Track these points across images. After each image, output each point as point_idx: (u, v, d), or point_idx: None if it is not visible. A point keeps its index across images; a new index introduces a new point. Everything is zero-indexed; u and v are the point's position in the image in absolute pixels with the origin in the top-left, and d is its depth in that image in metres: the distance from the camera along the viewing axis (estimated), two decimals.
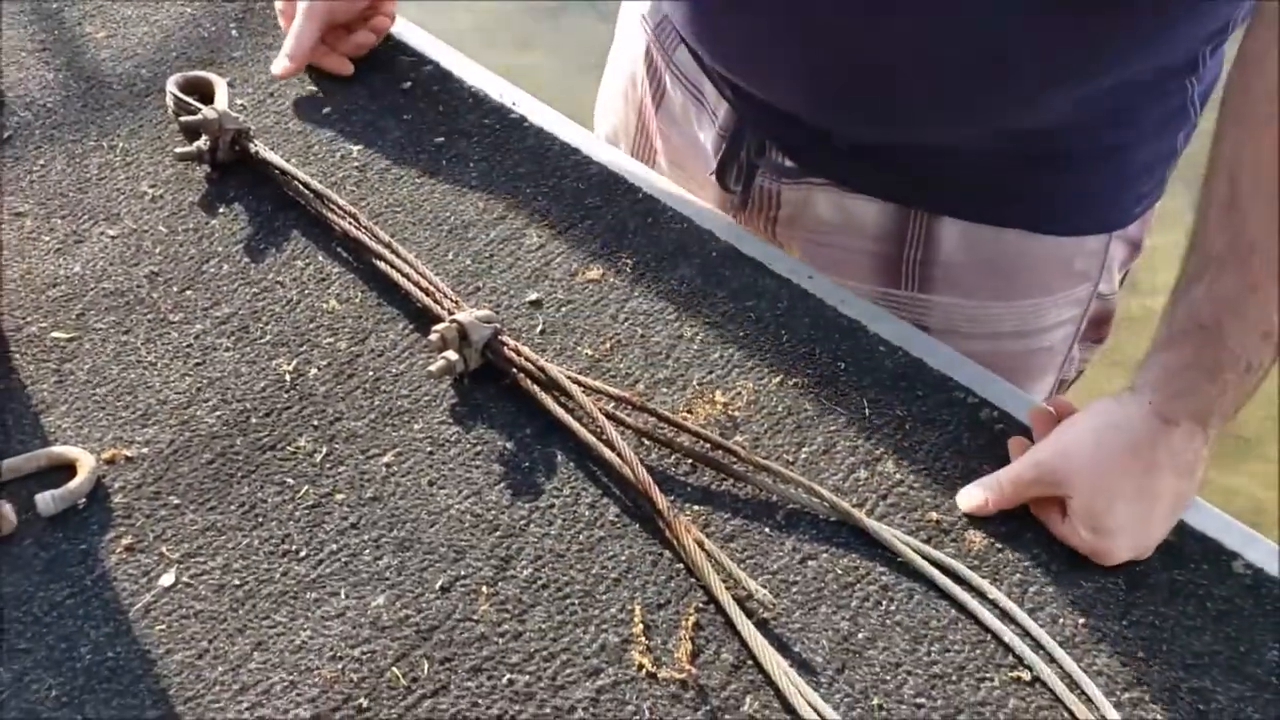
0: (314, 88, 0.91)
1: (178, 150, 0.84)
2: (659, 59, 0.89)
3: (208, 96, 0.88)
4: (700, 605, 0.63)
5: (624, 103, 0.95)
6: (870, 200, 0.80)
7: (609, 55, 0.98)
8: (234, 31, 0.96)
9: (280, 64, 0.88)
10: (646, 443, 0.69)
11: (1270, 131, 0.59)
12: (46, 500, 0.65)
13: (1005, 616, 0.63)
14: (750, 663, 0.61)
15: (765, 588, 0.62)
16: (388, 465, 0.68)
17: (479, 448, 0.69)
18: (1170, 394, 0.62)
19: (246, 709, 0.58)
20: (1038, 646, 0.62)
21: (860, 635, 0.62)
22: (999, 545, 0.66)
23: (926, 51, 0.69)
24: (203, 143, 0.83)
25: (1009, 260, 0.81)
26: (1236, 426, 1.92)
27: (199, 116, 0.83)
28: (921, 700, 0.60)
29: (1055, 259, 0.81)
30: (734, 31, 0.76)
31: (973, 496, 0.66)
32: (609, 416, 0.69)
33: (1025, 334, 0.85)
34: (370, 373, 0.73)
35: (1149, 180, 0.80)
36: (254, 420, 0.70)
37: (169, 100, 0.87)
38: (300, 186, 0.81)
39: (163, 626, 0.61)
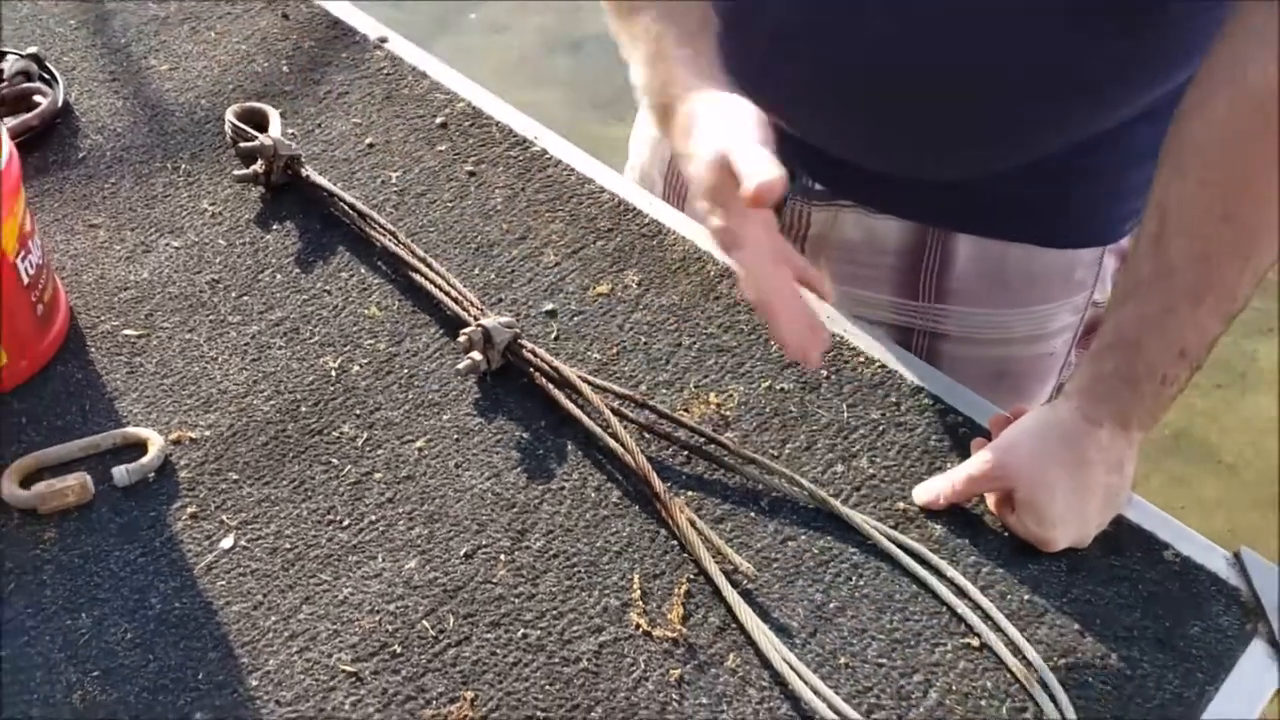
0: (357, 120, 1.01)
1: (235, 173, 0.94)
2: None
3: (262, 125, 0.98)
4: (691, 576, 0.71)
5: (658, 139, 1.03)
6: (892, 220, 0.89)
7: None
8: (285, 68, 1.06)
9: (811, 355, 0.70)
10: (647, 436, 0.78)
11: (1194, 178, 0.68)
12: (121, 473, 0.74)
13: (960, 592, 0.72)
14: (734, 625, 0.69)
15: (749, 562, 0.71)
16: (420, 450, 0.77)
17: (499, 436, 0.78)
18: (1094, 398, 0.71)
19: (296, 652, 0.67)
20: (987, 618, 0.70)
21: (831, 605, 0.71)
22: (957, 532, 0.75)
23: (953, 103, 0.77)
24: (258, 166, 0.93)
25: (1016, 272, 0.88)
26: (1219, 453, 2.02)
27: (255, 143, 0.93)
28: (883, 660, 0.68)
29: (1057, 269, 0.89)
30: (779, 79, 0.82)
31: (927, 491, 0.75)
32: (614, 412, 0.78)
33: (1033, 339, 0.93)
34: (406, 370, 0.82)
35: (1140, 198, 0.88)
36: (303, 409, 0.79)
37: (227, 128, 0.97)
38: (345, 207, 0.91)
39: (223, 582, 0.70)
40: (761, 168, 0.63)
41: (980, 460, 0.73)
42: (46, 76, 1.02)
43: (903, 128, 0.82)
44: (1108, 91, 0.77)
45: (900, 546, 0.73)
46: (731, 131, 0.68)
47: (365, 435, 0.78)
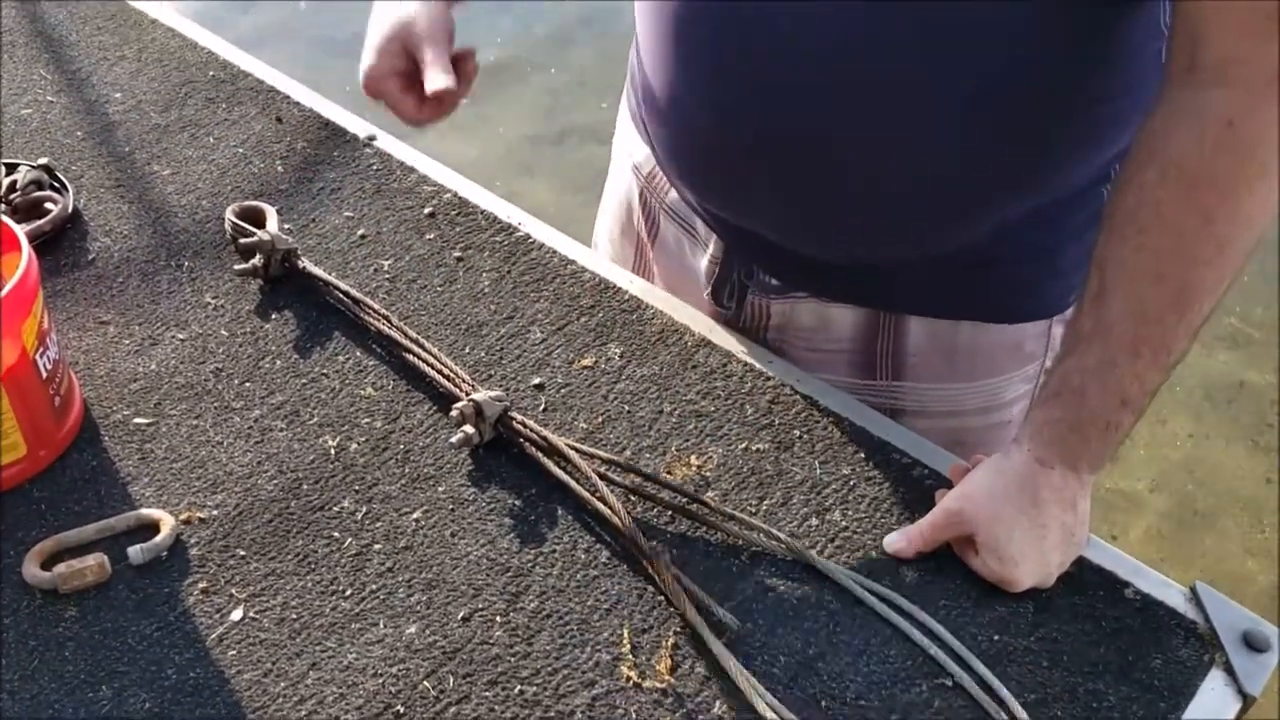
0: (350, 213, 1.07)
1: (236, 267, 0.99)
2: (653, 201, 1.04)
3: (260, 222, 1.04)
4: (678, 629, 0.75)
5: (621, 235, 1.10)
6: (845, 307, 0.95)
7: (602, 197, 1.14)
8: (280, 168, 1.12)
9: (439, 82, 0.87)
10: (633, 498, 0.83)
11: (1130, 242, 0.74)
12: (136, 552, 0.78)
13: (932, 635, 0.76)
14: (719, 674, 0.73)
15: (732, 614, 0.75)
16: (417, 520, 0.82)
17: (493, 505, 0.83)
18: (1043, 442, 0.76)
19: (305, 716, 0.71)
20: (959, 659, 0.74)
21: (811, 651, 0.75)
22: (927, 577, 0.79)
23: (873, 193, 0.84)
24: (257, 260, 0.99)
25: (966, 347, 0.94)
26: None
27: (254, 239, 0.99)
28: (862, 702, 0.72)
29: (1006, 343, 0.95)
30: (718, 182, 0.91)
31: (895, 541, 0.79)
32: (601, 477, 0.82)
33: (988, 410, 0.98)
34: (401, 446, 0.87)
35: (1079, 272, 0.93)
36: (305, 487, 0.84)
37: (227, 226, 1.03)
38: (340, 294, 0.96)
39: (234, 652, 0.74)
40: (441, 79, 0.87)
41: (941, 508, 0.78)
42: (57, 185, 1.08)
43: (841, 213, 0.88)
44: (1002, 192, 0.85)
45: (874, 594, 0.78)
46: (424, 37, 0.88)
47: (365, 509, 0.82)
